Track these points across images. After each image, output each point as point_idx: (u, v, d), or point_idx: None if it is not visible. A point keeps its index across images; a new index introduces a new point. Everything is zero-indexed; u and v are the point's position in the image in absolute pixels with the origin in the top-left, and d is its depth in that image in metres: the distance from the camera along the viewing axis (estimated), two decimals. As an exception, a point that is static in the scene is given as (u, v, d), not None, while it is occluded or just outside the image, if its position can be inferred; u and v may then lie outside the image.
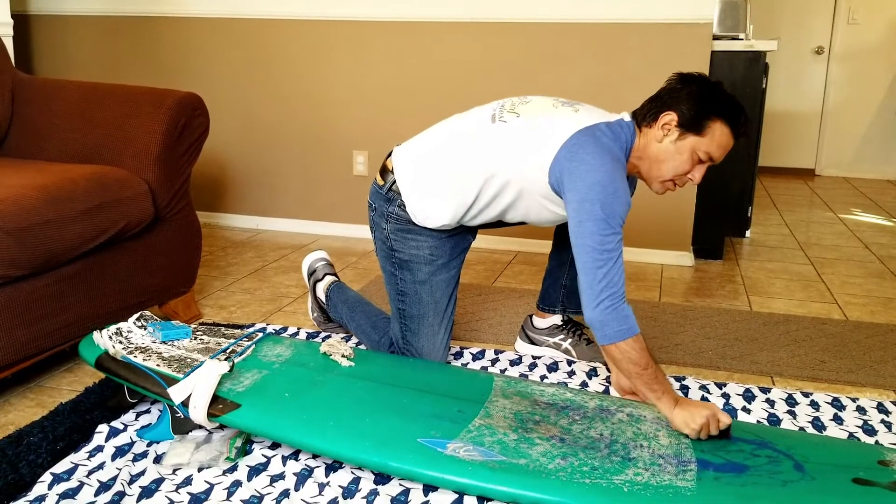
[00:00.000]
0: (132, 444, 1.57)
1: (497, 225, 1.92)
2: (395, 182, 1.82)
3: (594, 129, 1.66)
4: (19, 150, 2.29)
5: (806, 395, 1.88)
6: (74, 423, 1.63)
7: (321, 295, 2.18)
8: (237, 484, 1.43)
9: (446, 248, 1.87)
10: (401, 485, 1.42)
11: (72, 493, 1.37)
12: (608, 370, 2.00)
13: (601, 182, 1.57)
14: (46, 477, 1.42)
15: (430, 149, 1.81)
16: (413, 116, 3.25)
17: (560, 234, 2.04)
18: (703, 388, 1.91)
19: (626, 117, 1.73)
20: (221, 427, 1.60)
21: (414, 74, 3.27)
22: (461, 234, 1.91)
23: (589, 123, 1.67)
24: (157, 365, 1.59)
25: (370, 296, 2.52)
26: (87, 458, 1.50)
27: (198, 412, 1.49)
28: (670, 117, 1.64)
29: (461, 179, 1.74)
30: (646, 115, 1.70)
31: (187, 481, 1.43)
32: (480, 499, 1.37)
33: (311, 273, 2.26)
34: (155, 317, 1.81)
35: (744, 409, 1.80)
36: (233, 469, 1.48)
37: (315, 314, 2.25)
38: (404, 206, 1.81)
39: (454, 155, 1.76)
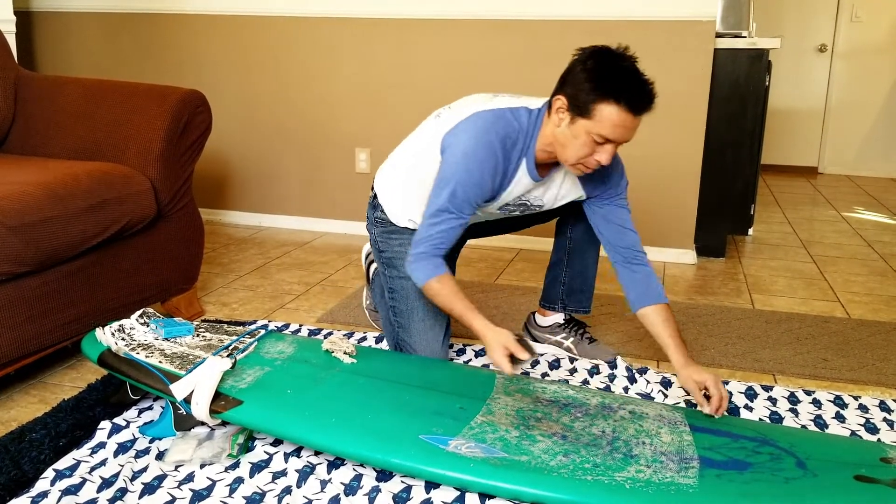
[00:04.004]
0: (134, 440, 1.57)
1: (484, 233, 2.02)
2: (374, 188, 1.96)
3: (491, 113, 1.69)
4: (22, 147, 2.29)
5: (808, 393, 1.88)
6: (77, 419, 1.64)
7: (372, 276, 2.22)
8: (239, 481, 1.43)
9: None
10: (402, 482, 1.42)
11: (74, 490, 1.37)
12: (610, 368, 2.00)
13: (468, 169, 1.65)
14: (49, 473, 1.42)
15: (397, 153, 1.93)
16: (416, 114, 3.23)
17: (560, 229, 2.04)
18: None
19: (541, 104, 1.73)
20: (224, 424, 1.60)
21: (417, 71, 3.27)
22: None
23: (494, 108, 1.69)
24: (160, 362, 1.60)
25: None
26: (90, 455, 1.50)
27: (200, 409, 1.49)
28: (561, 102, 1.61)
29: (420, 181, 1.81)
30: (549, 100, 1.68)
31: (189, 478, 1.44)
32: (482, 496, 1.37)
33: (367, 255, 2.29)
34: (157, 314, 1.82)
35: (746, 406, 1.80)
36: (235, 466, 1.48)
37: (368, 301, 2.28)
38: (385, 210, 1.92)
39: (410, 157, 1.86)
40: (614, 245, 1.84)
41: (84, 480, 1.40)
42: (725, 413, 1.72)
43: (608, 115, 1.54)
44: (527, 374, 1.97)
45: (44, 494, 1.36)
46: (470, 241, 2.14)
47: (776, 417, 1.75)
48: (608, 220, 1.84)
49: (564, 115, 1.61)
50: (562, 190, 1.82)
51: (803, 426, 1.71)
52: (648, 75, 1.58)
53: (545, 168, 1.75)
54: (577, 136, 1.59)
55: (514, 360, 1.59)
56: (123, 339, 1.69)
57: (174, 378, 1.53)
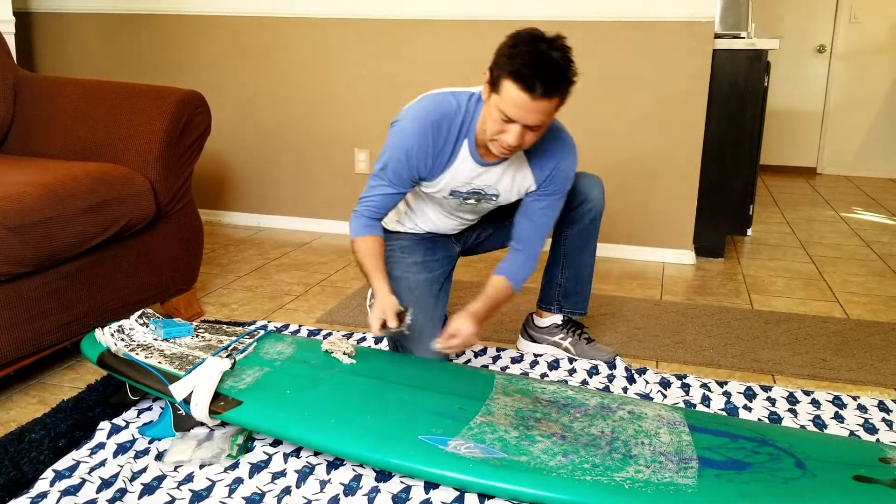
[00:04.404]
0: (134, 441, 1.57)
1: (480, 248, 2.09)
2: None
3: (433, 96, 1.76)
4: (21, 147, 2.29)
5: (807, 393, 1.88)
6: (76, 420, 1.64)
7: None
8: (238, 481, 1.43)
9: (419, 248, 1.96)
10: (402, 482, 1.42)
11: (73, 490, 1.38)
12: (609, 368, 2.01)
13: (399, 146, 1.75)
14: (48, 474, 1.42)
15: None
16: (414, 114, 3.25)
17: (556, 231, 2.04)
18: (704, 386, 1.91)
19: None
20: (223, 424, 1.60)
21: (416, 72, 3.27)
22: (441, 240, 2.01)
23: (438, 91, 1.76)
24: (159, 362, 1.60)
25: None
26: (89, 455, 1.50)
27: (199, 409, 1.49)
28: (486, 76, 1.63)
29: None
30: None
31: (189, 478, 1.44)
32: (481, 496, 1.37)
33: None
34: (157, 314, 1.82)
35: (745, 407, 1.80)
36: (234, 466, 1.48)
37: (373, 299, 2.27)
38: None
39: None
40: (520, 238, 1.87)
41: (83, 481, 1.40)
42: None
43: (508, 92, 1.55)
44: (526, 374, 1.98)
45: (43, 495, 1.36)
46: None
47: (775, 418, 1.75)
48: (532, 221, 1.85)
49: (486, 89, 1.64)
50: (516, 180, 1.81)
51: (802, 426, 1.71)
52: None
53: (491, 153, 1.73)
54: (491, 111, 1.61)
55: (385, 326, 1.72)
56: (123, 339, 1.69)
57: (173, 379, 1.53)
